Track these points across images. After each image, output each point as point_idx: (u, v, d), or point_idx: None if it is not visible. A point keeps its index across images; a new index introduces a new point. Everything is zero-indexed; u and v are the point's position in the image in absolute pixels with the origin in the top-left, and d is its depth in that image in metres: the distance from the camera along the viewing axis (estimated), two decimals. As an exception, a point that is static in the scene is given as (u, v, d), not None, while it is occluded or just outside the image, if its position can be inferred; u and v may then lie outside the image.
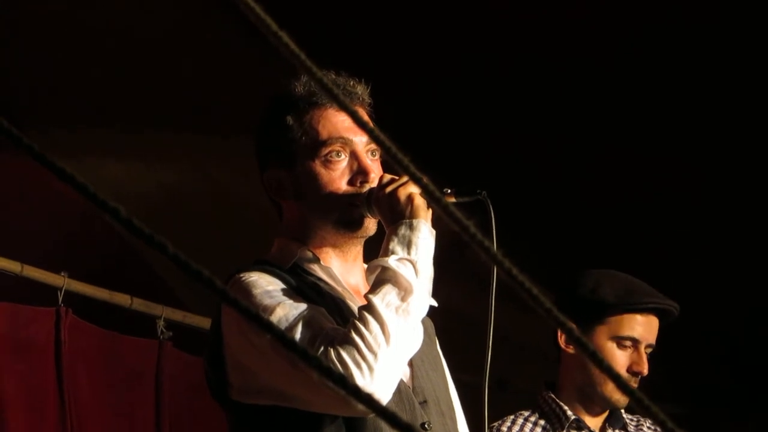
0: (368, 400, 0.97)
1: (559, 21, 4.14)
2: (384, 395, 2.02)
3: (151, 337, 4.49)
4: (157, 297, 4.56)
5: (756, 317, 5.23)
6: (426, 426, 2.20)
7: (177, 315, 4.61)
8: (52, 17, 4.14)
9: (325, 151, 2.25)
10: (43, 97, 4.47)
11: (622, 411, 3.27)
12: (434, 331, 2.44)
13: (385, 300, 2.07)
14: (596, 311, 3.17)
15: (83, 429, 4.13)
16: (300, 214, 2.29)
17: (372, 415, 2.09)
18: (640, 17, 4.10)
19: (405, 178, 2.19)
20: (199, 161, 4.92)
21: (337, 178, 2.25)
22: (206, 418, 4.39)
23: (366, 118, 2.24)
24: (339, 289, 2.26)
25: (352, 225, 2.27)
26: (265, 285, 2.15)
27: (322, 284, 2.25)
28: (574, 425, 3.20)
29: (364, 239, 2.31)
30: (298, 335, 2.03)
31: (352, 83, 2.30)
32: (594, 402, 3.21)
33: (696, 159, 4.59)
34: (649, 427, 3.30)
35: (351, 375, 1.96)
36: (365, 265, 2.31)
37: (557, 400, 3.22)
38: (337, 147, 2.25)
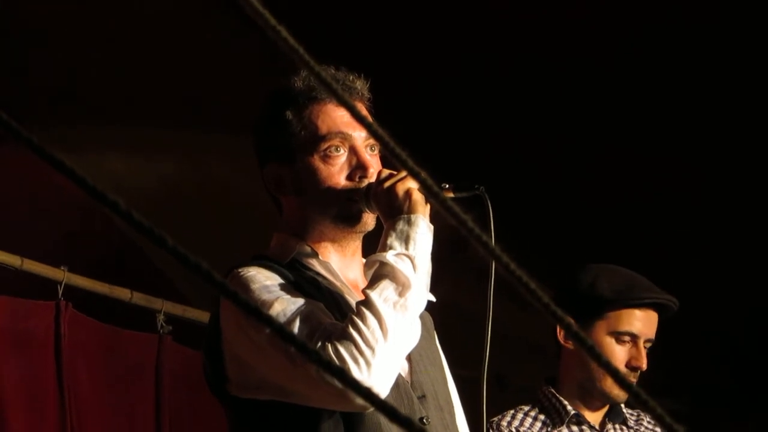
0: (367, 394, 0.97)
1: (559, 21, 4.14)
2: (382, 390, 2.02)
3: (151, 331, 4.49)
4: (157, 291, 4.56)
5: (756, 317, 5.23)
6: (424, 420, 2.20)
7: (177, 309, 4.61)
8: (53, 15, 4.14)
9: (324, 146, 2.25)
10: (42, 92, 4.47)
11: (622, 406, 3.27)
12: (433, 326, 2.44)
13: (383, 295, 2.07)
14: (595, 306, 3.17)
15: (83, 422, 4.13)
16: (299, 209, 2.30)
17: (370, 410, 2.09)
18: (640, 17, 4.10)
19: (403, 173, 2.20)
20: (199, 156, 4.92)
21: (336, 173, 2.25)
22: (206, 412, 4.39)
23: (365, 112, 2.24)
24: (337, 284, 2.26)
25: (351, 220, 2.27)
26: (264, 280, 2.16)
27: (320, 279, 2.25)
28: (573, 420, 3.21)
29: (363, 234, 2.31)
30: (295, 330, 2.04)
31: (351, 78, 2.30)
32: (594, 397, 3.21)
33: (696, 159, 4.59)
34: (649, 422, 3.30)
35: (348, 370, 1.96)
36: (364, 260, 2.31)
37: (557, 395, 3.23)
38: (336, 142, 2.25)
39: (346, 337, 2.02)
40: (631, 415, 3.30)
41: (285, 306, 2.09)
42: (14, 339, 3.98)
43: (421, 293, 2.12)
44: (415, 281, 2.10)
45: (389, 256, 2.12)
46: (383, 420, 2.11)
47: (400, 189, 2.18)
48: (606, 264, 3.27)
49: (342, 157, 2.26)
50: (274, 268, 2.20)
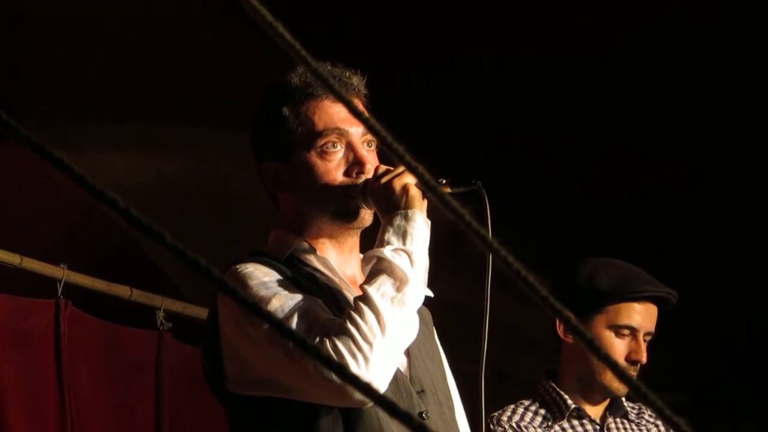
0: (366, 389, 0.98)
1: (559, 21, 4.14)
2: (380, 385, 2.03)
3: (150, 328, 4.50)
4: (157, 288, 4.56)
5: (756, 315, 5.24)
6: (424, 415, 2.20)
7: (177, 306, 4.61)
8: (53, 14, 4.14)
9: (321, 142, 2.25)
10: (43, 90, 4.48)
11: (623, 399, 3.27)
12: (431, 321, 2.45)
13: (381, 290, 2.07)
14: (593, 300, 3.16)
15: (83, 420, 4.13)
16: (296, 206, 2.30)
17: (368, 406, 2.09)
18: (640, 17, 4.10)
19: (400, 169, 2.20)
20: (198, 154, 4.93)
21: (333, 169, 2.25)
22: (206, 408, 4.39)
23: (361, 108, 2.24)
24: (335, 279, 2.26)
25: (348, 216, 2.27)
26: (261, 276, 2.16)
27: (318, 275, 2.25)
28: (574, 414, 3.21)
29: (360, 230, 2.31)
30: (293, 326, 2.04)
31: (347, 74, 2.30)
32: (594, 391, 3.21)
33: (696, 157, 4.60)
34: (650, 415, 3.30)
35: (347, 365, 1.96)
36: (362, 256, 2.31)
37: (557, 389, 3.23)
38: (333, 138, 2.26)
39: (344, 333, 2.02)
40: (632, 408, 3.30)
41: (283, 302, 2.09)
42: (14, 337, 3.98)
43: (418, 288, 2.12)
44: (413, 276, 2.10)
45: (387, 252, 2.13)
46: (382, 415, 2.12)
47: (397, 184, 2.19)
48: (605, 257, 3.27)
49: (339, 153, 2.26)
50: (272, 264, 2.20)
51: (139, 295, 4.46)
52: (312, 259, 2.27)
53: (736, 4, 4.03)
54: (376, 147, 2.29)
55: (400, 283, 2.09)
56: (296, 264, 2.25)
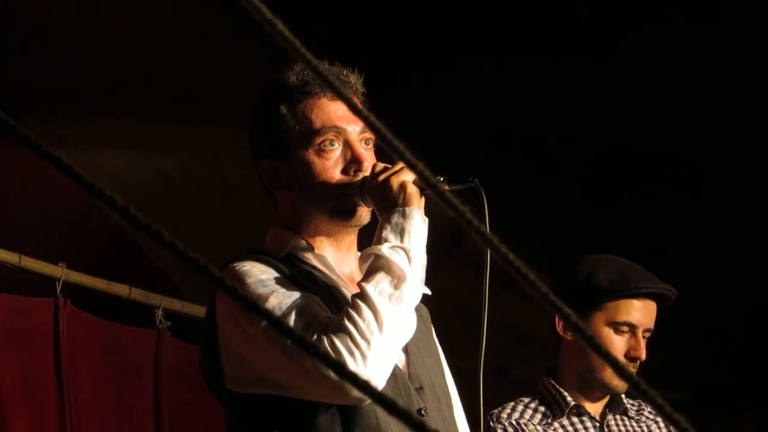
0: (365, 386, 0.98)
1: (559, 21, 4.14)
2: (378, 382, 2.03)
3: (149, 326, 4.50)
4: (156, 287, 4.56)
5: (755, 314, 5.24)
6: (422, 412, 2.20)
7: (175, 305, 4.61)
8: (52, 13, 4.14)
9: (319, 140, 2.26)
10: (42, 89, 4.48)
11: (623, 396, 3.27)
12: (430, 318, 2.45)
13: (378, 288, 2.07)
14: (592, 297, 3.16)
15: (82, 418, 4.13)
16: (294, 204, 2.30)
17: (366, 403, 2.09)
18: (640, 17, 4.10)
19: (398, 167, 2.20)
20: (197, 152, 4.93)
21: (331, 167, 2.25)
22: (205, 407, 4.39)
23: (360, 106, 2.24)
24: (333, 277, 2.27)
25: (346, 214, 2.27)
26: (259, 274, 2.16)
27: (316, 272, 2.25)
28: (574, 411, 3.21)
29: (358, 228, 2.31)
30: (291, 323, 2.04)
31: (345, 72, 2.30)
32: (594, 388, 3.21)
33: (695, 156, 4.60)
34: (650, 412, 3.30)
35: (344, 363, 1.97)
36: (359, 254, 2.31)
37: (557, 387, 3.23)
38: (330, 136, 2.26)
39: (342, 330, 2.02)
40: (632, 405, 3.30)
41: (280, 300, 2.09)
42: (13, 336, 3.98)
43: (416, 285, 2.12)
44: (411, 273, 2.11)
45: (384, 249, 2.13)
46: (380, 412, 2.12)
47: (395, 182, 2.19)
48: (604, 254, 3.27)
49: (336, 151, 2.26)
50: (270, 262, 2.21)
51: (138, 294, 4.46)
52: (310, 257, 2.27)
53: (736, 4, 4.03)
54: (374, 145, 2.29)
55: (397, 280, 2.09)
56: (294, 262, 2.25)
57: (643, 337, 3.19)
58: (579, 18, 4.12)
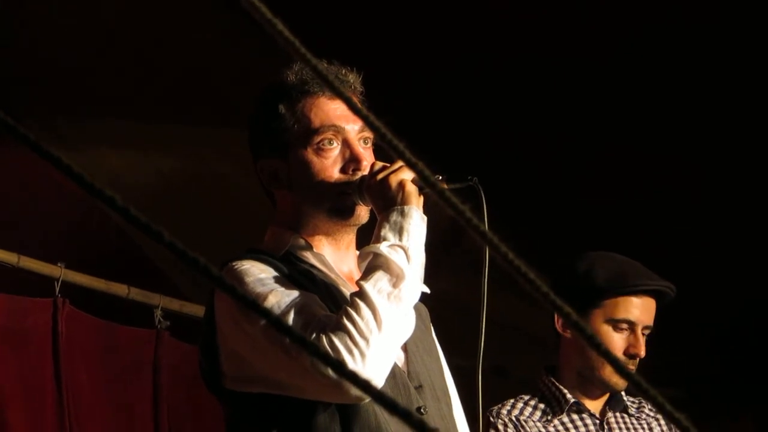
0: (365, 385, 0.97)
1: (559, 21, 4.14)
2: (377, 381, 2.03)
3: (148, 326, 4.50)
4: (155, 286, 4.56)
5: (753, 311, 5.24)
6: (422, 410, 2.21)
7: (174, 304, 4.61)
8: (52, 13, 4.14)
9: (318, 139, 2.26)
10: (43, 89, 4.47)
11: (623, 394, 3.27)
12: (429, 317, 2.45)
13: (377, 286, 2.07)
14: (591, 295, 3.16)
15: (81, 419, 4.13)
16: (293, 203, 2.30)
17: (365, 402, 2.09)
18: (640, 17, 4.10)
19: (396, 165, 2.20)
20: (197, 152, 4.92)
21: (330, 166, 2.25)
22: (204, 407, 4.40)
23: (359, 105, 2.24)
24: (332, 276, 2.27)
25: (344, 213, 2.27)
26: (258, 273, 2.16)
27: (315, 271, 2.25)
28: (573, 408, 3.21)
29: (357, 227, 2.32)
30: (290, 322, 2.04)
31: (344, 71, 2.31)
32: (593, 385, 3.21)
33: (695, 156, 4.60)
34: (650, 410, 3.30)
35: (343, 361, 1.97)
36: (358, 253, 2.31)
37: (557, 384, 3.23)
38: (329, 135, 2.26)
39: (341, 329, 2.02)
40: (632, 403, 3.30)
41: (279, 298, 2.09)
42: (12, 336, 3.98)
43: (415, 284, 2.13)
44: (409, 272, 2.11)
45: (383, 248, 2.13)
46: (379, 411, 2.12)
47: (393, 181, 2.19)
48: (602, 251, 3.27)
49: (335, 150, 2.26)
50: (269, 261, 2.21)
51: (136, 294, 4.46)
52: (308, 256, 2.27)
53: (736, 4, 4.03)
54: (372, 144, 2.29)
55: (396, 279, 2.09)
56: (293, 261, 2.25)
57: (643, 334, 3.19)
58: (579, 18, 4.12)
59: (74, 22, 4.18)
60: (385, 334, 2.03)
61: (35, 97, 4.48)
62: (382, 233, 2.16)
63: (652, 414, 3.30)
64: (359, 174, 2.25)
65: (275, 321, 1.04)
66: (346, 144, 2.27)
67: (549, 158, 4.69)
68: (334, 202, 2.26)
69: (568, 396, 3.20)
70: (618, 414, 3.25)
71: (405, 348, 2.23)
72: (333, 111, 2.26)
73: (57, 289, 4.13)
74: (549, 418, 3.20)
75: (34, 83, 4.46)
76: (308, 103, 2.28)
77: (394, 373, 2.14)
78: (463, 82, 4.41)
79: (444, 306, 2.59)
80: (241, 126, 2.44)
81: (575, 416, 3.21)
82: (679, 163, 4.62)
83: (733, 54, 4.22)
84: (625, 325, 3.17)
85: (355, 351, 2.00)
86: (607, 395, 3.25)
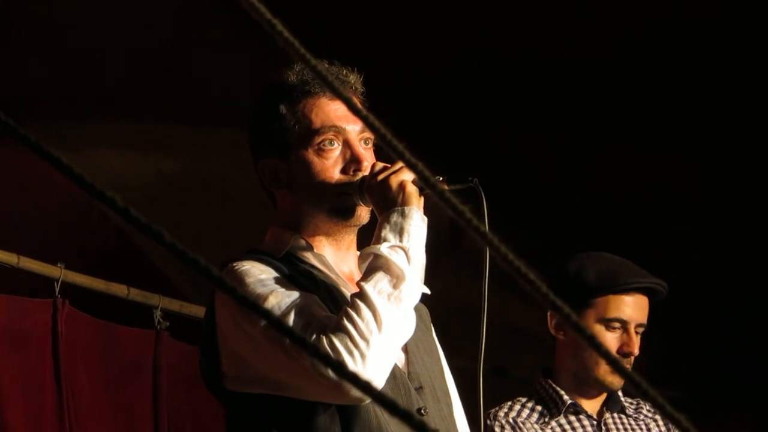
0: (365, 386, 0.97)
1: (559, 21, 4.14)
2: (377, 382, 2.03)
3: (148, 327, 4.50)
4: (154, 287, 4.56)
5: (753, 310, 5.24)
6: (422, 411, 2.21)
7: (174, 305, 4.61)
8: (52, 13, 4.14)
9: (318, 139, 2.26)
10: (42, 90, 4.47)
11: (621, 394, 3.27)
12: (429, 318, 2.45)
13: (377, 287, 2.07)
14: (582, 295, 3.15)
15: (81, 419, 4.13)
16: (293, 203, 2.30)
17: (365, 403, 2.09)
18: (640, 17, 4.10)
19: (397, 166, 2.20)
20: (197, 152, 4.92)
21: (330, 166, 2.25)
22: (204, 407, 4.40)
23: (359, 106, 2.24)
24: (332, 276, 2.26)
25: (345, 213, 2.27)
26: (258, 274, 2.16)
27: (315, 272, 2.25)
28: (570, 410, 3.21)
29: (357, 228, 2.31)
30: (290, 323, 2.04)
31: (344, 72, 2.30)
32: (589, 386, 3.21)
33: (695, 156, 4.60)
34: (648, 410, 3.30)
35: (343, 362, 1.97)
36: (359, 253, 2.31)
37: (554, 386, 3.23)
38: (330, 135, 2.26)
39: (341, 330, 2.02)
40: (630, 403, 3.30)
41: (280, 299, 2.09)
42: (12, 337, 3.98)
43: (415, 285, 2.12)
44: (410, 273, 2.10)
45: (383, 249, 2.13)
46: (379, 412, 2.12)
47: (394, 181, 2.19)
48: (593, 251, 3.26)
49: (336, 150, 2.26)
50: (269, 262, 2.21)
51: (136, 294, 4.46)
52: (309, 257, 2.27)
53: (736, 4, 4.03)
54: (373, 145, 2.29)
55: (396, 280, 2.09)
56: (293, 261, 2.25)
57: (636, 332, 3.18)
58: (579, 18, 4.12)
59: (74, 23, 4.17)
60: (385, 335, 2.03)
61: (34, 98, 4.48)
62: (383, 234, 2.16)
63: (650, 415, 3.30)
64: (360, 175, 2.25)
65: (276, 322, 1.04)
66: (346, 145, 2.27)
67: (549, 158, 4.69)
68: (335, 203, 2.26)
69: (565, 398, 3.20)
70: (615, 415, 3.25)
71: (405, 349, 2.23)
72: (334, 112, 2.26)
73: (57, 290, 4.12)
74: (546, 420, 3.20)
75: (34, 84, 4.46)
76: (309, 104, 2.27)
77: (395, 374, 2.14)
78: (463, 82, 4.41)
79: (444, 306, 2.59)
80: (241, 126, 2.44)
81: (572, 418, 3.21)
82: (679, 163, 4.62)
83: (733, 54, 4.21)
84: (617, 324, 3.17)
85: (356, 352, 2.00)
86: (604, 396, 3.25)
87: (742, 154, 4.60)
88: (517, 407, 3.24)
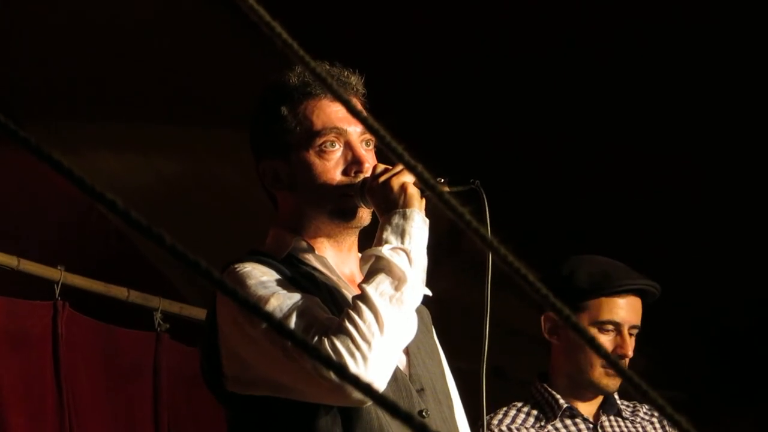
0: (367, 388, 0.97)
1: (559, 21, 4.14)
2: (379, 384, 2.03)
3: (148, 329, 4.49)
4: (154, 289, 4.56)
5: (753, 311, 5.24)
6: (423, 413, 2.20)
7: (174, 307, 4.61)
8: (51, 13, 4.14)
9: (320, 141, 2.25)
10: (42, 92, 4.47)
11: (617, 397, 3.26)
12: (430, 320, 2.45)
13: (379, 289, 2.07)
14: (574, 298, 3.14)
15: (81, 421, 4.13)
16: (295, 205, 2.30)
17: (367, 405, 2.09)
18: (640, 17, 4.10)
19: (398, 168, 2.20)
20: (197, 154, 4.92)
21: (332, 168, 2.25)
22: (204, 409, 4.40)
23: (359, 107, 2.24)
24: (334, 278, 2.26)
25: (346, 215, 2.27)
26: (260, 275, 2.16)
27: (316, 274, 2.25)
28: (567, 413, 3.20)
29: (359, 229, 2.31)
30: (292, 325, 2.04)
31: (345, 73, 2.30)
32: (584, 388, 3.20)
33: (696, 157, 4.60)
34: (645, 413, 3.29)
35: (345, 364, 1.96)
36: (360, 255, 2.31)
37: (549, 390, 3.22)
38: (331, 137, 2.25)
39: (343, 332, 2.02)
40: (627, 406, 3.29)
41: (281, 301, 2.09)
42: (12, 339, 3.97)
43: (417, 287, 2.12)
44: (411, 275, 2.10)
45: (385, 251, 2.12)
46: (381, 414, 2.12)
47: (395, 183, 2.18)
48: (585, 254, 3.26)
49: (337, 152, 2.26)
50: (270, 264, 2.20)
51: (136, 297, 4.46)
52: (310, 258, 2.27)
53: (736, 4, 4.03)
54: (375, 146, 2.29)
55: (398, 282, 2.09)
56: (295, 263, 2.25)
57: (630, 334, 3.17)
58: (579, 18, 4.12)
59: (73, 24, 4.17)
60: (387, 337, 2.03)
61: (34, 100, 4.48)
62: (384, 236, 2.16)
63: (647, 418, 3.29)
64: (361, 176, 2.25)
65: (277, 324, 1.04)
66: (348, 146, 2.26)
67: (549, 158, 4.69)
68: (336, 204, 2.26)
69: (561, 401, 3.19)
70: (612, 417, 3.24)
71: (407, 351, 2.23)
72: (335, 113, 2.26)
73: (57, 292, 4.12)
74: (542, 423, 3.19)
75: (33, 86, 4.45)
76: (310, 105, 2.27)
77: (396, 376, 2.14)
78: (463, 82, 4.41)
79: (445, 308, 2.58)
80: (241, 127, 2.44)
81: (569, 421, 3.20)
82: (679, 163, 4.62)
83: (733, 54, 4.21)
84: (610, 327, 3.16)
85: (357, 354, 2.00)
86: (601, 399, 3.24)
87: (742, 154, 4.60)
88: (512, 413, 3.23)
